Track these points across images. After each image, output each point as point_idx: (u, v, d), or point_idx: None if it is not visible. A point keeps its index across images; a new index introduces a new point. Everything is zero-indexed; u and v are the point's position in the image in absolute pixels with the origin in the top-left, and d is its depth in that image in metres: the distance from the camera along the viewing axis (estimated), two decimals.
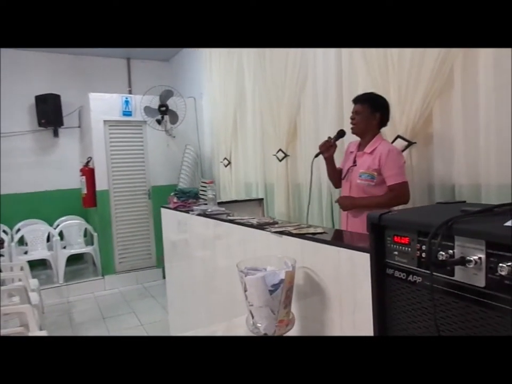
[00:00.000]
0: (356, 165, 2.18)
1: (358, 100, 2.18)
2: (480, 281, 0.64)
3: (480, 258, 0.64)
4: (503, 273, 0.60)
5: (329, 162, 2.29)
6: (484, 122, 1.99)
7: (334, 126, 2.89)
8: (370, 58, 2.53)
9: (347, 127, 2.78)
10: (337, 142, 2.29)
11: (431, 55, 2.13)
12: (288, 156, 3.46)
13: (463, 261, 0.65)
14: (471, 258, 0.64)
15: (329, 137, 2.28)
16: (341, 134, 2.30)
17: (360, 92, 2.69)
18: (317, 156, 2.31)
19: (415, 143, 2.34)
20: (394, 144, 2.41)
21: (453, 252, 0.68)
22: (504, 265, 0.59)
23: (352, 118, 2.19)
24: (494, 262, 0.62)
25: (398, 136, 2.39)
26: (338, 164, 2.39)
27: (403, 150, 2.38)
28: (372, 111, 2.13)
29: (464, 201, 0.95)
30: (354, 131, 2.21)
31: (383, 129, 2.27)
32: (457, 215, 0.69)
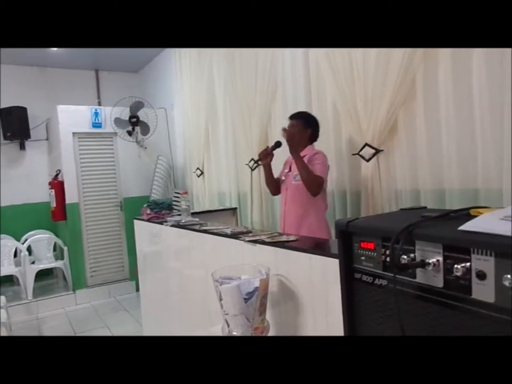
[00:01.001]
0: (291, 170, 2.48)
1: (293, 117, 2.52)
2: (438, 282, 0.69)
3: (438, 260, 0.69)
4: (458, 274, 0.65)
5: (267, 169, 2.56)
6: (445, 129, 2.09)
7: None
8: (336, 69, 2.61)
9: None
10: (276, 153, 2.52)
11: (394, 65, 2.23)
12: (260, 165, 3.50)
13: (423, 264, 0.70)
14: (430, 261, 0.69)
15: (267, 147, 2.58)
16: (278, 144, 2.54)
17: (329, 101, 2.79)
18: (256, 162, 2.66)
19: (382, 150, 2.43)
20: (362, 152, 2.51)
21: (414, 256, 0.73)
22: (459, 266, 0.65)
23: (284, 129, 2.44)
24: (450, 263, 0.67)
25: (366, 144, 2.48)
26: (276, 174, 2.63)
27: (370, 158, 2.47)
28: (304, 126, 2.46)
29: (425, 207, 1.00)
30: (287, 139, 2.41)
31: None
32: (417, 220, 0.74)
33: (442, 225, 0.73)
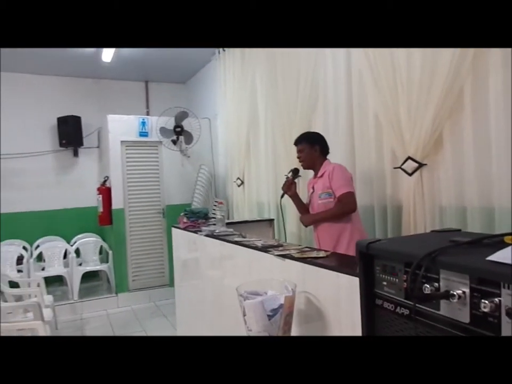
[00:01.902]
0: (314, 191, 2.45)
1: (297, 142, 2.51)
2: (464, 317, 0.62)
3: (464, 292, 0.61)
4: (486, 310, 0.57)
5: (295, 199, 2.56)
6: (495, 143, 1.95)
7: (345, 146, 2.89)
8: (379, 79, 2.52)
9: (358, 147, 2.80)
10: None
11: (440, 76, 2.11)
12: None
13: (447, 295, 0.63)
14: (455, 293, 0.62)
15: (287, 177, 2.58)
16: (295, 172, 2.59)
17: (370, 111, 2.70)
18: (282, 196, 2.63)
19: (426, 164, 2.30)
20: (404, 166, 2.39)
21: (439, 285, 0.66)
22: (487, 301, 0.57)
23: (298, 157, 2.51)
24: (477, 297, 0.59)
25: (409, 158, 2.36)
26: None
27: (413, 172, 2.35)
28: (311, 146, 2.45)
29: (459, 230, 0.92)
30: (304, 167, 2.54)
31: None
32: (442, 246, 0.67)
33: (471, 253, 0.65)
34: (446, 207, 2.24)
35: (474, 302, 0.60)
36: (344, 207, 2.27)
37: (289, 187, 2.52)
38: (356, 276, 1.22)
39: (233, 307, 2.16)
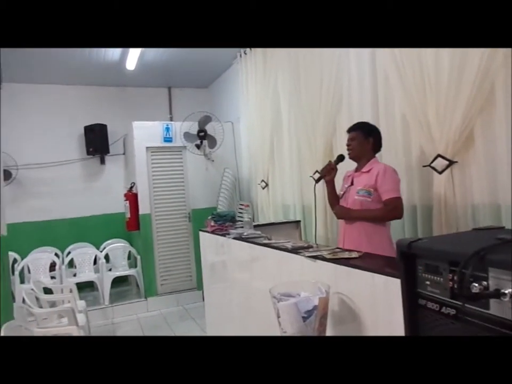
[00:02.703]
0: (353, 185, 2.33)
1: (351, 129, 2.38)
2: None
3: None
4: None
5: (330, 185, 2.45)
6: None
7: None
8: (406, 79, 2.48)
9: (385, 148, 2.75)
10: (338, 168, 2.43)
11: (470, 73, 2.07)
12: (316, 179, 3.42)
13: (498, 294, 0.61)
14: (506, 292, 0.60)
15: (330, 161, 2.46)
16: (341, 158, 2.44)
17: (397, 110, 2.66)
18: (318, 180, 2.53)
19: (456, 162, 2.25)
20: (434, 164, 2.35)
21: (487, 284, 0.64)
22: None
23: (348, 145, 2.37)
24: None
25: (438, 155, 2.32)
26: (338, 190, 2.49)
27: (444, 170, 2.30)
28: (365, 136, 2.31)
29: (503, 227, 0.90)
30: (351, 156, 2.38)
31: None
32: (491, 244, 0.65)
33: None
34: (479, 205, 2.19)
35: None
36: (391, 213, 2.17)
37: (329, 172, 2.39)
38: (392, 276, 1.20)
39: (263, 309, 2.17)
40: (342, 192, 2.40)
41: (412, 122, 2.51)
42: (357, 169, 2.37)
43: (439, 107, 2.28)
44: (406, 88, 2.50)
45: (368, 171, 2.26)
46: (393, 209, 2.15)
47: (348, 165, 2.49)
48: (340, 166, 2.47)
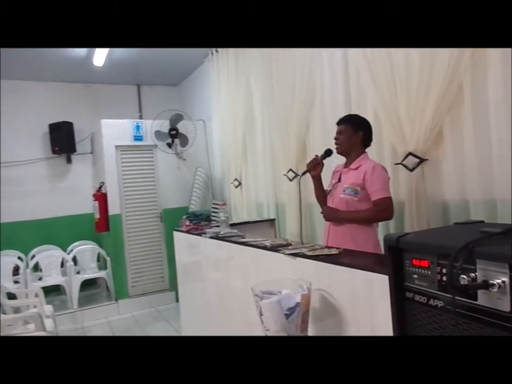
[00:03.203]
0: (340, 181, 2.25)
1: (340, 121, 2.29)
2: (505, 305, 0.63)
3: (504, 282, 0.62)
4: None
5: (317, 181, 2.36)
6: (495, 136, 1.97)
7: None
8: (377, 76, 2.54)
9: None
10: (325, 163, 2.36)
11: (439, 72, 2.13)
12: (299, 175, 3.46)
13: (486, 285, 0.63)
14: (494, 282, 0.62)
15: (316, 156, 2.34)
16: (328, 152, 2.35)
17: (369, 108, 2.71)
18: (304, 173, 2.39)
19: (427, 159, 2.32)
20: (405, 161, 2.41)
21: (475, 275, 0.66)
22: None
23: (336, 139, 2.27)
24: None
25: (409, 153, 2.38)
26: (326, 186, 2.43)
27: (414, 168, 2.36)
28: (354, 130, 2.22)
29: (482, 221, 0.93)
30: (339, 151, 2.29)
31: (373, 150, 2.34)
32: (477, 237, 0.68)
33: (507, 243, 0.66)
34: (449, 201, 2.26)
35: None
36: (381, 214, 2.10)
37: (315, 166, 2.29)
38: (372, 272, 1.23)
39: (241, 308, 2.16)
40: (329, 189, 2.33)
41: (383, 120, 2.57)
42: (345, 165, 2.29)
43: (410, 105, 2.34)
44: (378, 86, 2.55)
45: (357, 168, 2.18)
46: (383, 210, 2.08)
47: (339, 159, 2.43)
48: (329, 160, 2.40)
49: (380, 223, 2.65)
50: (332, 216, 2.21)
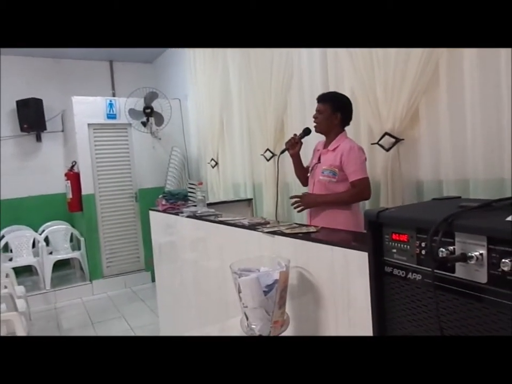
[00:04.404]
0: (320, 162, 2.25)
1: (320, 99, 2.26)
2: (482, 277, 0.64)
3: (481, 254, 0.63)
4: (505, 268, 0.59)
5: (295, 159, 2.37)
6: (470, 117, 2.01)
7: None
8: (355, 56, 2.53)
9: None
10: (305, 140, 2.37)
11: (416, 53, 2.14)
12: (276, 155, 3.45)
13: (464, 257, 0.65)
14: (472, 254, 0.64)
15: (294, 134, 2.36)
16: (306, 131, 2.35)
17: (347, 88, 2.71)
18: (282, 152, 2.42)
19: (403, 139, 2.35)
20: (381, 141, 2.43)
21: (453, 249, 0.67)
22: (506, 260, 0.59)
23: (315, 117, 2.26)
24: (496, 257, 0.61)
25: (386, 133, 2.40)
26: (306, 162, 2.45)
27: (390, 148, 2.39)
28: (333, 110, 2.20)
29: (459, 197, 0.95)
30: (317, 130, 2.28)
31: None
32: (456, 211, 0.69)
33: (485, 216, 0.67)
34: (423, 180, 2.31)
35: (492, 263, 0.62)
36: (358, 195, 2.12)
37: (294, 145, 2.31)
38: (350, 248, 1.24)
39: (218, 287, 2.17)
40: (310, 168, 2.34)
41: (360, 100, 2.57)
42: (325, 145, 2.29)
43: (387, 84, 2.35)
44: (355, 66, 2.55)
45: (334, 149, 2.18)
46: (361, 191, 2.10)
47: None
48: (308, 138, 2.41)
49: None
50: (310, 202, 2.21)
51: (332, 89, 2.85)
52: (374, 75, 2.44)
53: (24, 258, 4.82)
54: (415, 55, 2.15)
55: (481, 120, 1.95)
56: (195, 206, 2.56)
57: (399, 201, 2.37)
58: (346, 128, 2.65)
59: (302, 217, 3.19)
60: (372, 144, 2.52)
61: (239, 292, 1.37)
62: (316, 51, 2.94)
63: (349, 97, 2.67)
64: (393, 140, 2.38)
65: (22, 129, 5.31)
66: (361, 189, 2.10)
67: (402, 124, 2.33)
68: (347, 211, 2.17)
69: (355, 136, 2.68)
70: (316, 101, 2.56)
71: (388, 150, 2.42)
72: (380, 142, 2.46)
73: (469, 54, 1.97)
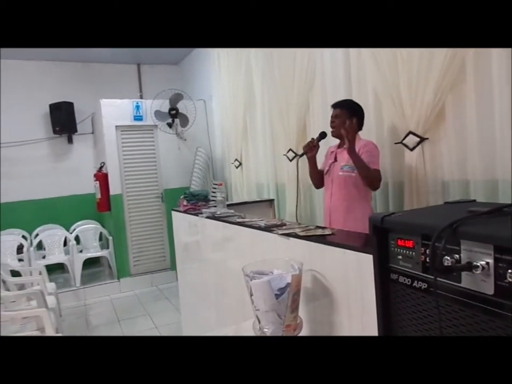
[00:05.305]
0: (336, 161, 2.37)
1: (336, 105, 2.39)
2: (488, 288, 0.60)
3: (488, 263, 0.59)
4: None
5: (312, 162, 2.47)
6: (498, 116, 1.91)
7: None
8: (378, 55, 2.47)
9: None
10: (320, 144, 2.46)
11: (441, 49, 2.06)
12: (298, 155, 3.41)
13: (470, 267, 0.60)
14: (478, 264, 0.59)
15: (312, 138, 2.46)
16: (323, 135, 2.47)
17: (369, 86, 2.65)
18: (301, 155, 2.54)
19: (427, 138, 2.27)
20: (405, 140, 2.36)
21: (459, 257, 0.63)
22: None
23: (332, 122, 2.38)
24: (503, 267, 0.57)
25: (410, 132, 2.33)
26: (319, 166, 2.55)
27: (415, 147, 2.32)
28: (349, 115, 2.31)
29: (474, 200, 0.89)
30: (334, 134, 2.39)
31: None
32: (463, 216, 0.64)
33: (493, 223, 0.63)
34: (449, 181, 2.22)
35: (499, 273, 0.58)
36: (374, 182, 2.25)
37: (311, 149, 2.41)
38: (363, 252, 1.20)
39: (237, 288, 2.16)
40: (326, 168, 2.44)
41: (384, 98, 2.51)
42: (339, 145, 2.40)
43: (411, 83, 2.27)
44: (379, 64, 2.48)
45: None
46: (375, 180, 2.23)
47: (329, 141, 2.55)
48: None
49: (378, 203, 2.64)
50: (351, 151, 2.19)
51: (354, 89, 2.81)
52: (397, 72, 2.37)
53: (56, 256, 4.99)
54: (440, 51, 2.07)
55: (509, 118, 1.85)
56: (215, 206, 2.57)
57: (424, 203, 2.30)
58: (369, 129, 2.61)
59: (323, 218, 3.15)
60: (396, 143, 2.45)
61: (251, 294, 1.36)
62: (339, 51, 2.89)
63: (371, 96, 2.64)
64: (417, 139, 2.31)
65: (55, 132, 5.51)
66: (374, 177, 2.22)
67: (427, 123, 2.25)
68: (365, 204, 2.30)
69: (378, 135, 2.62)
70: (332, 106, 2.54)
71: (412, 149, 2.35)
72: (403, 141, 2.39)
73: (498, 49, 1.88)
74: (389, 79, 2.42)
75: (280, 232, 1.62)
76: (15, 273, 3.90)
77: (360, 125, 2.37)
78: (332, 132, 2.40)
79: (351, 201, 2.28)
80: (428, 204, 2.27)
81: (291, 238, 1.58)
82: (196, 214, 2.62)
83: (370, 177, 2.22)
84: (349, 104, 2.39)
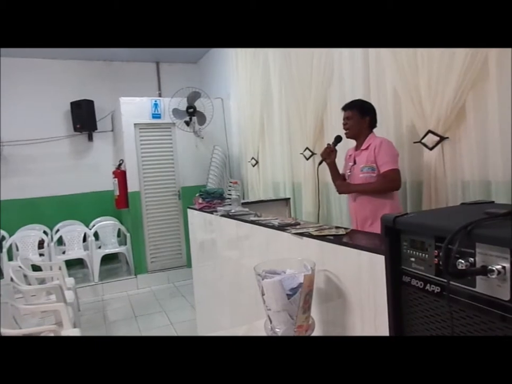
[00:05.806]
0: (355, 163, 2.34)
1: (347, 107, 2.36)
2: (504, 293, 0.57)
3: (504, 268, 0.56)
4: None
5: (332, 167, 2.46)
6: None
7: None
8: (398, 53, 2.41)
9: None
10: (337, 148, 2.46)
11: None
12: (316, 154, 3.38)
13: (485, 271, 0.58)
14: (494, 268, 0.57)
15: (328, 144, 2.45)
16: (338, 139, 2.46)
17: (388, 85, 2.60)
18: (320, 163, 2.52)
19: (447, 138, 2.22)
20: (425, 140, 2.31)
21: (474, 260, 0.61)
22: None
23: (344, 124, 2.36)
24: None
25: (429, 131, 2.28)
26: (341, 170, 2.52)
27: (434, 146, 2.27)
28: (361, 115, 2.30)
29: (492, 202, 0.86)
30: (348, 135, 2.38)
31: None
32: (479, 218, 0.62)
33: (511, 225, 0.60)
34: (469, 181, 2.16)
35: None
36: (388, 184, 2.18)
37: (329, 154, 2.41)
38: (377, 253, 1.18)
39: (250, 286, 2.15)
40: (348, 172, 2.41)
41: (403, 96, 2.46)
42: (356, 147, 2.37)
43: (431, 81, 2.22)
44: (398, 61, 2.43)
45: (367, 148, 2.26)
46: (390, 180, 2.16)
47: (346, 144, 2.52)
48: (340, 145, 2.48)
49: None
50: (344, 189, 2.39)
51: (372, 87, 2.77)
52: (417, 70, 2.32)
53: (75, 251, 5.09)
54: (462, 48, 2.01)
55: None
56: (230, 205, 2.57)
57: (443, 203, 2.24)
58: (387, 127, 2.56)
59: (341, 217, 3.11)
60: (415, 142, 2.40)
61: (263, 294, 1.35)
62: (357, 50, 2.85)
63: (390, 94, 2.58)
64: (437, 138, 2.25)
65: (75, 129, 5.61)
66: (392, 179, 2.16)
67: (447, 121, 2.19)
68: (392, 201, 2.24)
69: (397, 134, 2.57)
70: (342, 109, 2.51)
71: (431, 148, 2.30)
72: (422, 141, 2.34)
73: None
74: (408, 76, 2.37)
75: (294, 231, 1.60)
76: (36, 268, 3.98)
77: (373, 123, 2.34)
78: (346, 134, 2.38)
79: (376, 203, 2.22)
80: (447, 205, 2.21)
81: (304, 238, 1.56)
82: (211, 212, 2.63)
83: (379, 190, 2.20)
84: (359, 104, 2.36)
